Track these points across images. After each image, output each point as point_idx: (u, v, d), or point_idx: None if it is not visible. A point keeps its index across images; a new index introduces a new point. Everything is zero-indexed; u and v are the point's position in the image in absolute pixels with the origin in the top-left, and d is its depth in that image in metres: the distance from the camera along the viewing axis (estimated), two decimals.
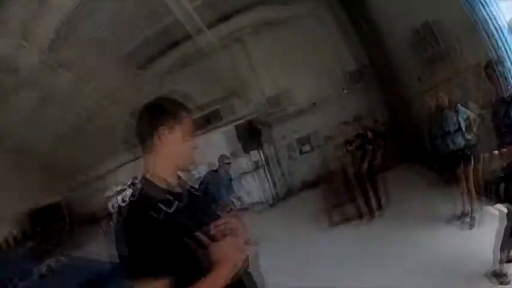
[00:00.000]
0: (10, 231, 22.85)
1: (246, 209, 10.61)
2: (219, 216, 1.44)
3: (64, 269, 10.17)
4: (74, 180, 24.96)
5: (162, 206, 1.26)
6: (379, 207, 6.79)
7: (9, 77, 13.74)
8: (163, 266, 1.18)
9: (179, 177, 1.50)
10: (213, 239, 1.27)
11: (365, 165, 6.80)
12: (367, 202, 6.69)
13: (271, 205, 11.49)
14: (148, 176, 1.38)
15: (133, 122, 1.41)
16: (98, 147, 19.95)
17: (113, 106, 15.68)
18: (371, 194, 6.77)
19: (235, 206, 7.03)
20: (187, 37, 12.07)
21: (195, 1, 10.63)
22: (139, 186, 1.35)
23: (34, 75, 13.98)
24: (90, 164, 22.31)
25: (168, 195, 1.33)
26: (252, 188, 11.25)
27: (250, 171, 11.54)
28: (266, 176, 11.76)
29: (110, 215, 20.60)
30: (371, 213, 6.68)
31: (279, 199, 11.79)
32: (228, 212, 6.32)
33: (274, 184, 11.96)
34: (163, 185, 1.37)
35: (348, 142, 7.13)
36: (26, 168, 25.56)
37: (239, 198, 7.36)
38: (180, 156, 1.44)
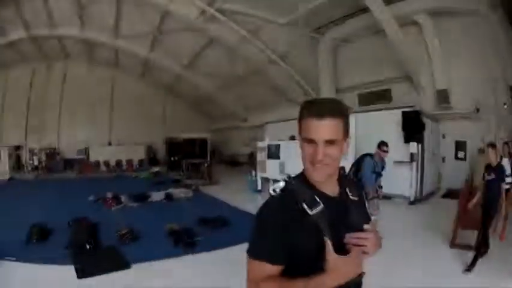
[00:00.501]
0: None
1: (389, 197, 10.34)
2: (367, 220, 1.47)
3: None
4: (227, 123, 26.74)
5: (305, 207, 1.31)
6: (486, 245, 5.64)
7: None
8: (281, 256, 1.31)
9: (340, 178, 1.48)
10: (342, 246, 1.29)
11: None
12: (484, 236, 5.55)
13: (411, 203, 10.76)
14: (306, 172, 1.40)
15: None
16: (260, 98, 20.95)
17: (281, 63, 15.97)
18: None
19: (377, 195, 6.71)
20: (366, 8, 11.65)
21: None
22: (292, 181, 1.37)
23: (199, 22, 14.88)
24: (249, 111, 23.76)
25: (316, 197, 1.34)
26: (399, 179, 10.62)
27: (403, 162, 10.88)
28: (417, 172, 11.00)
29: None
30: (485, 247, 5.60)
31: (420, 199, 11.01)
32: (370, 198, 6.22)
33: (422, 182, 11.16)
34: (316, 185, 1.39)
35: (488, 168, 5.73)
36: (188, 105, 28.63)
37: (381, 187, 6.90)
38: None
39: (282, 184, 1.38)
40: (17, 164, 22.66)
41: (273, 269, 1.31)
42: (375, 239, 1.34)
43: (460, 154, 12.41)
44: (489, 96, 11.48)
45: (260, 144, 13.50)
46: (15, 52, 20.32)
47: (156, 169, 20.40)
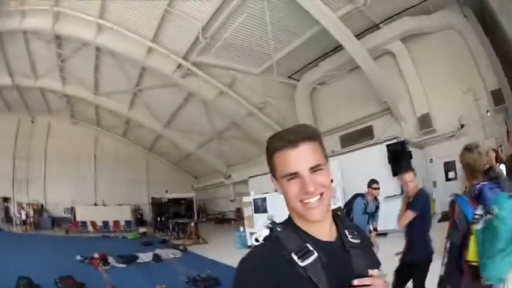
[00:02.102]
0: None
1: (385, 234, 9.99)
2: (374, 266, 1.20)
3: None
4: (211, 180, 26.60)
5: (294, 258, 1.05)
6: None
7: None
8: None
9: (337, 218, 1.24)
10: None
11: None
12: None
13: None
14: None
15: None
16: (242, 152, 21.05)
17: (259, 113, 16.15)
18: None
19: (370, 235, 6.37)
20: (338, 47, 11.95)
21: (338, 11, 10.78)
22: (277, 227, 1.13)
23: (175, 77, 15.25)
24: (231, 167, 23.70)
25: (307, 244, 1.08)
26: (393, 214, 10.36)
27: (394, 196, 10.66)
28: None
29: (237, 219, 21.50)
30: None
31: None
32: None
33: None
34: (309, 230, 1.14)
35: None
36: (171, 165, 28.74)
37: (375, 229, 6.66)
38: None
39: (265, 232, 1.12)
40: (6, 216, 22.54)
41: None
42: (382, 286, 1.10)
43: (451, 174, 12.28)
44: (472, 108, 11.60)
45: (245, 199, 13.33)
46: (0, 100, 20.75)
47: (143, 230, 20.35)
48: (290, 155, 1.09)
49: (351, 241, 1.19)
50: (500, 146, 10.97)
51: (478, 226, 2.27)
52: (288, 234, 1.10)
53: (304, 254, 1.05)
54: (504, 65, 10.59)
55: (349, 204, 6.32)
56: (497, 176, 2.44)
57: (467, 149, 2.66)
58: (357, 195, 6.35)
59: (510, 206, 2.13)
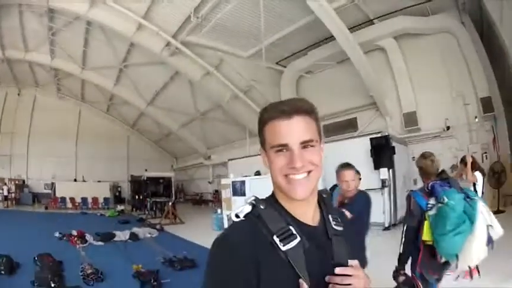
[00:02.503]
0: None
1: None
2: (358, 255, 1.22)
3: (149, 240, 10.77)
4: (191, 161, 26.66)
5: (276, 241, 0.99)
6: None
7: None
8: None
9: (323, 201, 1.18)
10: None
11: None
12: None
13: (386, 228, 10.65)
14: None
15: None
16: (223, 135, 21.02)
17: (244, 96, 16.13)
18: None
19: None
20: (329, 38, 11.92)
21: (334, 2, 10.72)
22: (260, 205, 1.05)
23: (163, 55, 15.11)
24: (212, 148, 23.68)
25: (290, 227, 1.02)
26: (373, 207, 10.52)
27: (375, 189, 10.78)
28: (390, 198, 10.93)
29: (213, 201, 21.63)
30: None
31: (395, 224, 10.93)
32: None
33: (396, 207, 11.10)
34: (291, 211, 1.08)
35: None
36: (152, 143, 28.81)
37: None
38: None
39: (247, 208, 1.04)
40: None
41: None
42: (364, 278, 1.04)
43: None
44: (460, 112, 11.75)
45: (224, 181, 13.24)
46: None
47: (121, 207, 20.46)
48: (281, 126, 1.04)
49: (334, 228, 1.12)
50: (485, 152, 11.31)
51: (431, 212, 2.86)
52: (270, 213, 1.04)
53: (286, 238, 1.00)
54: (497, 75, 10.79)
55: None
56: (447, 177, 3.05)
57: (423, 156, 3.32)
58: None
59: (458, 198, 2.74)
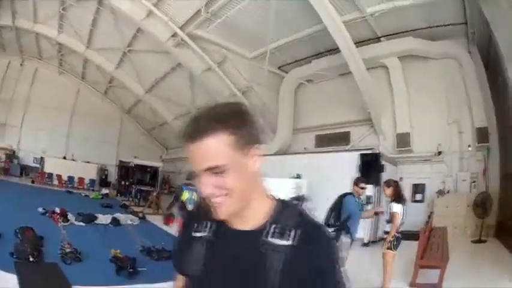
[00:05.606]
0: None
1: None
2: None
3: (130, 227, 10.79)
4: (181, 154, 26.53)
5: (194, 226, 1.15)
6: None
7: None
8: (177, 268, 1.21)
9: None
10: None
11: None
12: None
13: (365, 244, 10.72)
14: None
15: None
16: None
17: (242, 97, 16.13)
18: None
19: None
20: (334, 50, 11.99)
21: (345, 16, 10.89)
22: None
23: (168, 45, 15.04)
24: None
25: (207, 222, 1.12)
26: None
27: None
28: None
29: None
30: None
31: (375, 240, 11.00)
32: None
33: (377, 225, 11.17)
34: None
35: None
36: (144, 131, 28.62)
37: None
38: None
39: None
40: None
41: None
42: None
43: (418, 196, 12.49)
44: (453, 138, 11.85)
45: None
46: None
47: (106, 191, 20.32)
48: (189, 151, 0.99)
49: (264, 239, 1.02)
50: (474, 181, 11.45)
51: None
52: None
53: (200, 228, 1.12)
54: (497, 108, 10.91)
55: (338, 203, 6.08)
56: None
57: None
58: (345, 194, 6.19)
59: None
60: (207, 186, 0.98)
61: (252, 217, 1.06)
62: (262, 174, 1.10)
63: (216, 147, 0.96)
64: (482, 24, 9.98)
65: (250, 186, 1.04)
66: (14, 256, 5.73)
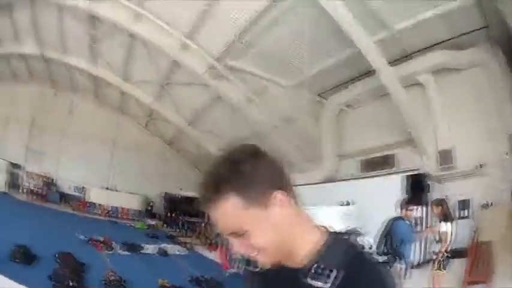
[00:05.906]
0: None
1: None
2: None
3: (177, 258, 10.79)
4: None
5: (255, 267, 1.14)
6: None
7: None
8: None
9: None
10: None
11: None
12: None
13: (415, 266, 10.33)
14: None
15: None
16: None
17: (284, 127, 15.86)
18: None
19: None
20: (370, 72, 11.90)
21: (375, 36, 10.82)
22: None
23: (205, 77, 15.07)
24: None
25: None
26: None
27: None
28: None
29: None
30: None
31: (424, 262, 10.60)
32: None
33: (426, 245, 10.80)
34: None
35: None
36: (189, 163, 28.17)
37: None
38: None
39: None
40: (13, 182, 22.59)
41: None
42: None
43: (463, 213, 11.91)
44: (491, 148, 11.39)
45: None
46: (26, 67, 21.12)
47: (153, 222, 20.68)
48: (211, 215, 0.97)
49: (303, 281, 0.98)
50: None
51: None
52: None
53: (256, 264, 1.10)
54: None
55: (389, 228, 6.01)
56: None
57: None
58: (396, 219, 6.12)
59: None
60: (238, 247, 0.99)
61: (299, 253, 1.03)
62: (300, 210, 1.07)
63: (227, 213, 0.94)
64: (501, 26, 9.57)
65: (284, 231, 1.00)
66: (52, 279, 5.80)
